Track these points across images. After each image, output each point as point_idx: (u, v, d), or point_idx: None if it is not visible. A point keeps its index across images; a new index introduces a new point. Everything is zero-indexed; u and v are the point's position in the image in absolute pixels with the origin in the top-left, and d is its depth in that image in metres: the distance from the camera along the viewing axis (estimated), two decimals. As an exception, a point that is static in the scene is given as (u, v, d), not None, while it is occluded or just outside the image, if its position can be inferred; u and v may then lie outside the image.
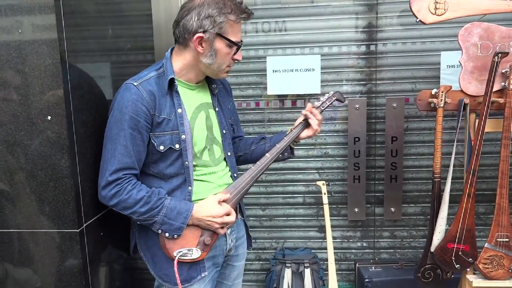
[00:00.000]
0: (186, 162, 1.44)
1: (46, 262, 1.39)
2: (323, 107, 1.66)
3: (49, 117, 1.30)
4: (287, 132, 1.63)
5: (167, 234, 1.42)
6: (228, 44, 1.41)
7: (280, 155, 1.60)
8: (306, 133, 1.61)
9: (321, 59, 2.33)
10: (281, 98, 2.42)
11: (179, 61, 1.45)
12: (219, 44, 1.40)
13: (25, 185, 1.35)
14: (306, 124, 1.61)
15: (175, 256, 1.42)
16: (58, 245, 1.38)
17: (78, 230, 1.37)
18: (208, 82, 1.57)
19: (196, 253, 1.44)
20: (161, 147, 1.41)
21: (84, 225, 1.41)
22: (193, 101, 1.50)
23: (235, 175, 1.62)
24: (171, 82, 1.42)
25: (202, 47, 1.40)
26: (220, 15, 1.36)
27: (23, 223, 1.38)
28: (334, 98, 1.67)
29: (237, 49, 1.45)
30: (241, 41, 1.46)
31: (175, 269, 1.41)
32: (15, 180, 1.35)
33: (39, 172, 1.34)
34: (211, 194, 1.49)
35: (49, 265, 1.39)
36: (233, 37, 1.41)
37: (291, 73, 2.35)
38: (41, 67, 1.28)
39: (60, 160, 1.32)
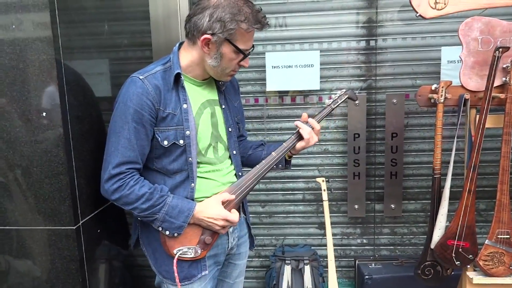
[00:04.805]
0: (190, 159, 1.42)
1: (42, 259, 1.39)
2: (334, 105, 1.59)
3: (44, 113, 1.29)
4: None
5: (167, 232, 1.40)
6: (235, 50, 1.38)
7: (274, 166, 1.54)
8: (300, 144, 1.53)
9: (320, 54, 2.31)
10: (282, 94, 2.41)
11: (187, 57, 1.43)
12: (226, 49, 1.37)
13: (20, 182, 1.34)
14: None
15: (175, 254, 1.41)
16: (54, 242, 1.37)
17: (74, 227, 1.36)
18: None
19: (196, 252, 1.43)
20: (165, 142, 1.39)
21: (81, 222, 1.40)
22: (199, 97, 1.48)
23: (240, 173, 1.59)
24: (177, 77, 1.40)
25: (208, 48, 1.37)
26: (232, 21, 1.32)
27: (19, 220, 1.37)
28: (345, 97, 1.61)
29: (244, 57, 1.42)
30: (253, 47, 1.42)
31: (175, 268, 1.40)
32: (11, 177, 1.34)
33: (35, 169, 1.33)
34: (214, 192, 1.47)
35: (45, 262, 1.39)
36: (242, 45, 1.37)
37: (290, 69, 2.33)
38: (36, 63, 1.27)
39: (55, 157, 1.32)
